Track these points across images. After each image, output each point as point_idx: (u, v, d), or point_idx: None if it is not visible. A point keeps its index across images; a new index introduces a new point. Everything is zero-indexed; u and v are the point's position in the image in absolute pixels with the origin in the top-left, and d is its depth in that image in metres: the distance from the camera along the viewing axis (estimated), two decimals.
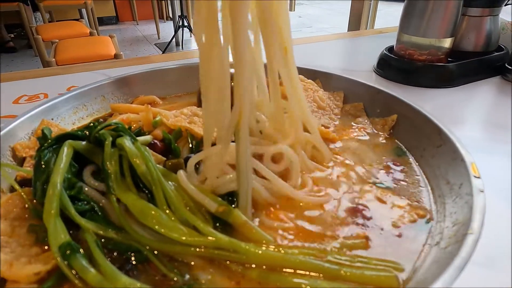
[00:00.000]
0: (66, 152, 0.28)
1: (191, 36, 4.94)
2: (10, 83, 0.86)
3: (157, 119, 0.38)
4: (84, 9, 4.42)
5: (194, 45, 4.87)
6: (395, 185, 0.35)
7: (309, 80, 0.48)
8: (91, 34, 3.12)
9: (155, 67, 0.49)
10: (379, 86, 0.82)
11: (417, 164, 0.37)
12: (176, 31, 4.45)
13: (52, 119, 0.40)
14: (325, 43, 1.19)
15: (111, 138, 0.30)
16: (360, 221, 0.32)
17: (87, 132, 0.31)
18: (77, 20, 4.81)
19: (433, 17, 0.80)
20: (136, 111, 0.41)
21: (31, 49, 4.57)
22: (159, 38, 5.23)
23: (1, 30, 4.45)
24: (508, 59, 0.88)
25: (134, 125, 0.38)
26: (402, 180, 0.36)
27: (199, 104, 0.46)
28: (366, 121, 0.44)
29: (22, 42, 4.84)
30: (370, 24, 2.42)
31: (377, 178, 0.36)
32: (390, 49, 0.93)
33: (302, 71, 0.52)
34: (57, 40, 2.80)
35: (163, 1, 5.75)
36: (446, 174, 0.33)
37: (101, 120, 0.44)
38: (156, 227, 0.26)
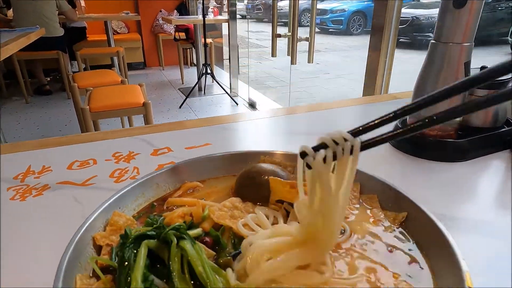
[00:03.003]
0: (143, 252, 0.37)
1: (212, 82, 5.20)
2: (63, 147, 0.98)
3: (205, 213, 0.47)
4: (116, 57, 4.77)
5: (215, 90, 5.13)
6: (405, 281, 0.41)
7: None
8: (122, 82, 3.36)
9: (194, 158, 0.59)
10: (396, 159, 0.90)
11: (425, 262, 0.43)
12: (199, 78, 4.71)
13: (119, 207, 0.49)
14: (345, 109, 1.28)
15: (176, 240, 0.38)
16: None
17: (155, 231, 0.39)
18: (108, 65, 5.18)
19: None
20: (189, 204, 0.49)
21: (64, 92, 4.91)
22: (183, 83, 5.53)
23: (40, 75, 4.82)
24: None
25: (186, 218, 0.47)
26: (415, 278, 0.41)
27: (234, 194, 0.55)
28: (380, 213, 0.51)
29: (56, 85, 5.21)
30: (386, 76, 2.51)
31: (393, 271, 0.42)
32: (403, 121, 1.01)
33: None
34: (91, 88, 3.02)
35: (188, 49, 6.13)
36: (447, 278, 0.38)
37: (155, 204, 0.53)
38: None
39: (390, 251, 0.44)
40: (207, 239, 0.43)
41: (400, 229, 0.48)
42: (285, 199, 0.50)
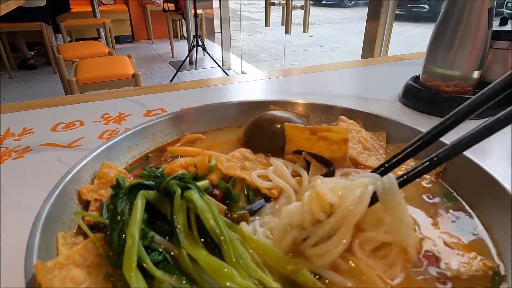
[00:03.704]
0: (140, 203, 0.30)
1: (204, 55, 5.04)
2: (46, 109, 0.89)
3: (212, 163, 0.40)
4: (102, 29, 4.55)
5: (207, 64, 4.97)
6: (454, 232, 0.35)
7: (351, 121, 0.49)
8: (109, 53, 3.21)
9: (197, 107, 0.52)
10: (408, 118, 0.83)
11: (472, 211, 0.37)
12: (190, 51, 4.55)
13: (110, 159, 0.42)
14: (345, 71, 1.21)
15: (180, 191, 0.31)
16: (435, 270, 0.32)
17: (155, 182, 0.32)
18: (95, 38, 4.97)
19: (460, 51, 0.81)
20: (192, 154, 0.42)
21: (50, 66, 4.71)
22: (173, 57, 5.35)
23: (23, 48, 4.60)
24: None
25: (190, 169, 0.40)
26: (461, 227, 0.35)
27: (243, 145, 0.48)
28: (412, 163, 0.44)
29: (41, 59, 4.99)
30: (385, 46, 2.45)
31: (436, 224, 0.36)
32: (416, 79, 0.94)
33: (343, 111, 0.53)
34: (77, 60, 2.88)
35: (178, 21, 5.90)
36: (502, 226, 0.33)
37: (150, 156, 0.46)
38: (231, 286, 0.26)
39: (431, 202, 0.38)
40: (216, 191, 0.37)
41: (436, 179, 0.42)
42: (304, 148, 0.43)
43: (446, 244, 0.35)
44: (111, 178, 0.38)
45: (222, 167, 0.39)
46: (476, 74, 0.85)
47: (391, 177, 0.32)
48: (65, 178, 0.35)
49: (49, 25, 4.39)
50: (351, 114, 0.51)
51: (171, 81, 4.39)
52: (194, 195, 0.30)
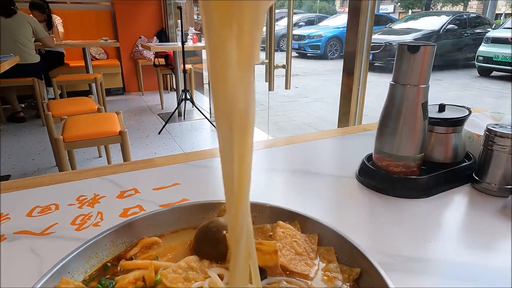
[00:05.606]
0: None
1: (192, 107, 5.21)
2: (22, 192, 0.94)
3: (157, 278, 0.46)
4: (94, 83, 4.73)
5: (195, 116, 5.14)
6: None
7: (288, 226, 0.56)
8: (98, 110, 3.32)
9: (152, 211, 0.59)
10: (363, 196, 0.91)
11: None
12: (179, 104, 4.72)
13: (69, 272, 0.47)
14: (316, 142, 1.30)
15: None
16: None
17: None
18: (86, 91, 5.13)
19: (403, 138, 0.91)
20: (142, 267, 0.48)
21: (39, 119, 4.80)
22: (162, 109, 5.52)
23: (13, 102, 4.71)
24: (475, 169, 0.98)
25: (138, 284, 0.46)
26: None
27: (192, 251, 0.54)
28: (337, 268, 0.51)
29: (31, 112, 5.09)
30: (360, 102, 2.60)
31: None
32: (369, 157, 1.04)
33: (284, 213, 0.60)
34: (66, 117, 2.97)
35: (168, 75, 6.15)
36: None
37: (108, 265, 0.52)
38: None
39: None
40: None
41: (354, 285, 0.48)
42: None
43: None
44: None
45: (166, 281, 0.45)
46: (420, 155, 0.94)
47: None
48: None
49: (42, 80, 4.55)
50: (291, 215, 0.58)
51: (159, 133, 4.50)
52: None
